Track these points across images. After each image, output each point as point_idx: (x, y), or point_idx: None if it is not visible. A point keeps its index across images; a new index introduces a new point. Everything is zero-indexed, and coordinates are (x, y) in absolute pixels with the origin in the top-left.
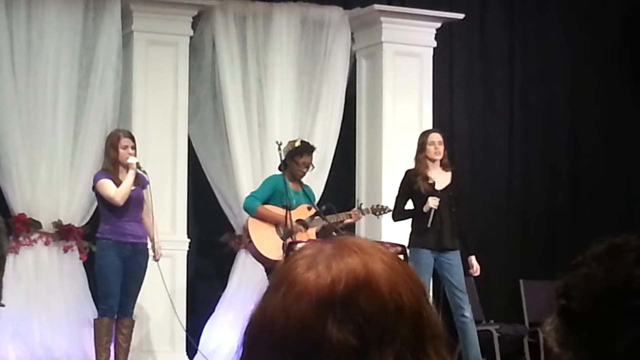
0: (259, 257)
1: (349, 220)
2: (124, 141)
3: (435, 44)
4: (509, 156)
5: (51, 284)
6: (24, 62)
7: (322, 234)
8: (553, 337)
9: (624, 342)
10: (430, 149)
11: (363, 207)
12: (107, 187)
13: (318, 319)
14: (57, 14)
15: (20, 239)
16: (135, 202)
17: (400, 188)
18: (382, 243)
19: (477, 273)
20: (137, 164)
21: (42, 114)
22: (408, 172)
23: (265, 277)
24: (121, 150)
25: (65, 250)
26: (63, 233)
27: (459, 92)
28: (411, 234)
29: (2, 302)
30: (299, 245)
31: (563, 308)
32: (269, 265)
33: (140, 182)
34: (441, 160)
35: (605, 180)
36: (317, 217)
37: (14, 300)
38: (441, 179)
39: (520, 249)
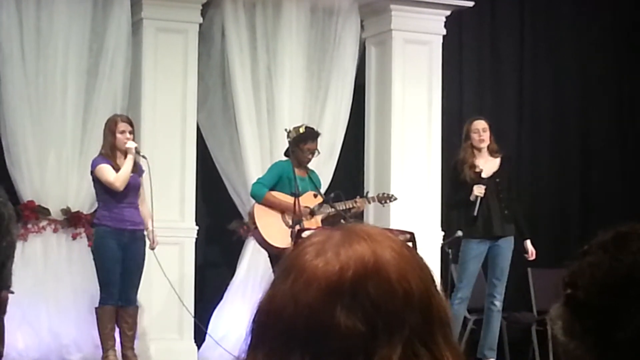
0: (264, 244)
1: (355, 210)
2: (121, 126)
3: (444, 31)
4: (518, 144)
5: (60, 271)
6: (33, 49)
7: (328, 221)
8: (559, 326)
9: (628, 331)
10: (475, 137)
11: (369, 195)
12: (107, 172)
13: (327, 305)
14: (67, 1)
15: (29, 226)
16: (133, 188)
17: (449, 179)
18: (390, 230)
19: (533, 257)
20: (136, 148)
21: (51, 101)
22: (455, 162)
23: (270, 264)
24: (118, 135)
25: (74, 238)
26: (72, 220)
27: (469, 80)
28: (462, 225)
29: (11, 289)
30: (307, 233)
31: (569, 297)
32: (273, 253)
33: (138, 169)
34: (488, 147)
35: (615, 168)
36: (324, 204)
37: (22, 287)
38: (489, 166)
39: (529, 237)
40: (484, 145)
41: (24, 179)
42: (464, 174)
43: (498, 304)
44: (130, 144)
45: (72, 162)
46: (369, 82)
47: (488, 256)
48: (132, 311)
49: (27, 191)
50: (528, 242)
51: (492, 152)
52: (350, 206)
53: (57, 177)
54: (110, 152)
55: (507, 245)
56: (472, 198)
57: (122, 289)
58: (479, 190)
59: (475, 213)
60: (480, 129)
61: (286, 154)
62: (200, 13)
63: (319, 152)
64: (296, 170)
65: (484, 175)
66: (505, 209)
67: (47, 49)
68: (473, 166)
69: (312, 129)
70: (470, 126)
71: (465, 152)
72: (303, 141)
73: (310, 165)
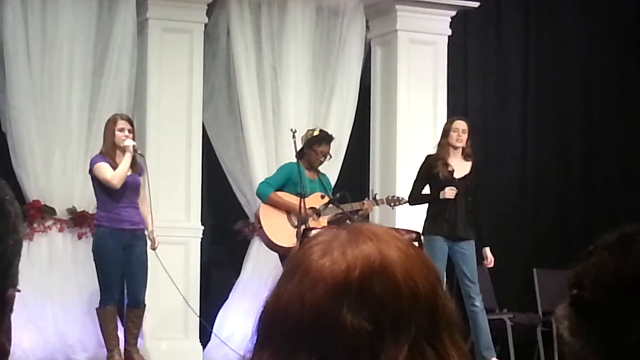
0: (269, 243)
1: (362, 212)
2: (120, 124)
3: (450, 32)
4: (523, 145)
5: (65, 270)
6: (38, 49)
7: (334, 222)
8: (565, 326)
9: (635, 332)
10: (453, 136)
11: (377, 197)
12: (104, 169)
13: (333, 305)
14: (72, 1)
15: (35, 225)
16: (132, 187)
17: (418, 172)
18: (397, 230)
19: (491, 265)
20: (134, 146)
21: (56, 101)
22: (429, 156)
23: (280, 264)
24: (117, 133)
25: (80, 237)
26: (77, 220)
27: (474, 81)
28: (425, 221)
29: (18, 287)
30: (314, 232)
31: (574, 298)
32: (279, 252)
33: (138, 169)
34: (463, 149)
35: (619, 168)
36: (330, 206)
37: (28, 286)
38: (461, 167)
39: (534, 238)
40: (460, 145)
41: (29, 179)
42: (437, 170)
43: (479, 304)
44: (128, 142)
45: (78, 161)
46: (375, 82)
47: (452, 259)
48: (139, 311)
49: (33, 191)
50: (487, 249)
51: (465, 156)
52: (358, 208)
53: (63, 177)
54: (110, 150)
55: (469, 247)
56: (441, 197)
57: (130, 290)
58: (450, 193)
59: (446, 214)
60: (460, 129)
61: (296, 155)
62: (206, 13)
63: (330, 157)
64: (306, 172)
65: (456, 175)
66: (470, 213)
67: (52, 49)
68: (447, 164)
69: (327, 132)
70: (451, 125)
71: (442, 149)
72: (317, 143)
73: None
